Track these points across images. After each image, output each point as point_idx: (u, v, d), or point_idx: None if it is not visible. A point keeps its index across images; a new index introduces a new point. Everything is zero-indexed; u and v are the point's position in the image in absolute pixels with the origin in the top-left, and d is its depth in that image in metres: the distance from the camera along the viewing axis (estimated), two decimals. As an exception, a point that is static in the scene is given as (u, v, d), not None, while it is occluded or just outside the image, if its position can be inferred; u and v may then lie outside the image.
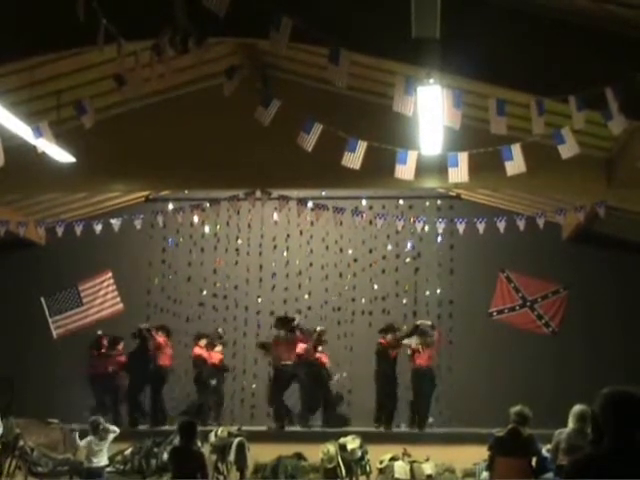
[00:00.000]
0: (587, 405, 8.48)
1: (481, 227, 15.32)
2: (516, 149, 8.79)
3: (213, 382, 15.97)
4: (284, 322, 15.80)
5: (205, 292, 17.78)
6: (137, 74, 8.38)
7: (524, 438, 9.49)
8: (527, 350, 16.46)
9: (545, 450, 9.82)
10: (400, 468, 13.38)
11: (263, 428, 15.28)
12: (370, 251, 17.53)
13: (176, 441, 12.95)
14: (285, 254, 17.74)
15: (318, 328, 15.96)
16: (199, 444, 10.99)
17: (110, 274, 17.17)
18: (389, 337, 15.42)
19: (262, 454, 13.69)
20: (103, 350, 16.17)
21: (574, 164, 9.73)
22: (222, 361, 16.37)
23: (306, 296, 17.58)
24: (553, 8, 8.26)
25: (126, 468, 13.29)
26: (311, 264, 17.68)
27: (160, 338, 15.72)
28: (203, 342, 16.05)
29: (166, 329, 16.05)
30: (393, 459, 13.54)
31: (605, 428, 3.78)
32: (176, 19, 7.65)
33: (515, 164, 8.80)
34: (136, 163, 13.09)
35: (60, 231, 15.93)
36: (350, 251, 17.59)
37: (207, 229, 17.79)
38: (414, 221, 16.18)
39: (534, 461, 9.69)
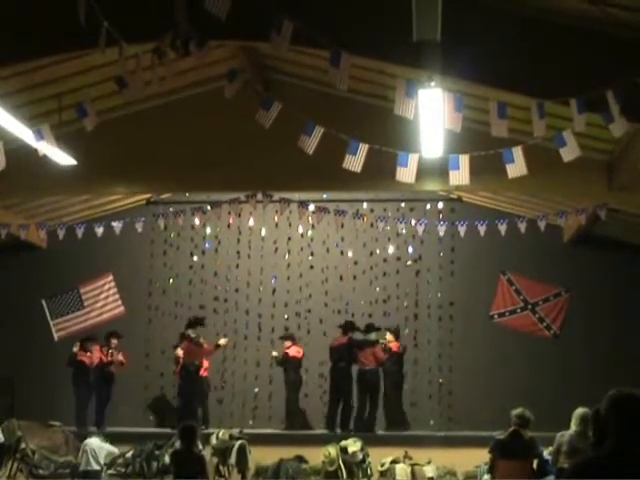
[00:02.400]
0: (589, 407, 8.47)
1: (482, 230, 15.32)
2: (517, 152, 8.79)
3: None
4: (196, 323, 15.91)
5: (206, 295, 17.78)
6: (138, 77, 8.38)
7: (525, 441, 9.49)
8: (528, 353, 16.46)
9: (547, 453, 9.82)
10: (401, 471, 13.38)
11: (265, 430, 15.29)
12: (371, 254, 17.53)
13: (177, 444, 12.99)
14: (286, 257, 17.73)
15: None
16: (200, 447, 10.99)
17: (111, 277, 17.18)
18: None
19: (263, 457, 13.69)
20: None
21: (575, 167, 9.72)
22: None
23: (307, 299, 17.57)
24: (553, 11, 8.27)
25: (127, 471, 13.29)
26: (312, 267, 17.67)
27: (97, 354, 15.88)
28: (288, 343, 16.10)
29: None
30: (394, 462, 13.54)
31: (608, 430, 3.78)
32: (177, 22, 7.67)
33: (516, 167, 8.81)
34: (137, 166, 13.10)
35: (61, 234, 15.94)
36: (351, 254, 17.57)
37: (208, 232, 17.79)
38: (415, 224, 16.18)
39: (535, 464, 9.70)
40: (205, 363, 16.11)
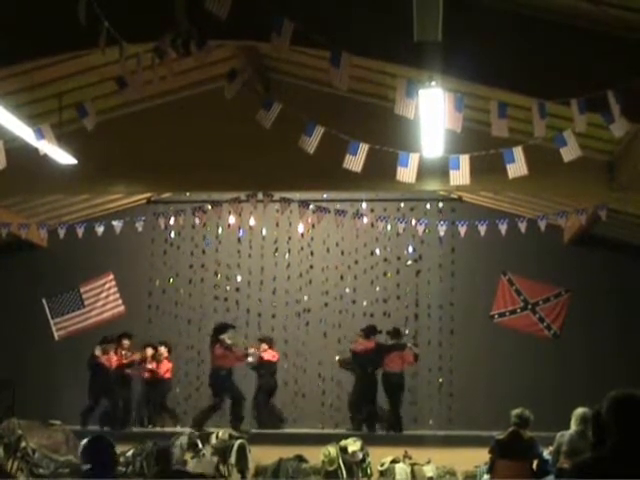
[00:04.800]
0: (589, 407, 8.47)
1: (482, 230, 15.31)
2: (518, 152, 8.78)
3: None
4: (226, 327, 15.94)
5: (206, 294, 17.78)
6: (139, 77, 8.38)
7: (525, 441, 9.51)
8: (528, 353, 16.45)
9: (547, 453, 9.82)
10: (401, 470, 13.39)
11: (264, 430, 15.28)
12: (371, 254, 17.53)
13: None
14: (286, 256, 17.74)
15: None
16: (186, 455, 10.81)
17: (112, 276, 17.18)
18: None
19: (263, 456, 13.71)
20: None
21: (576, 167, 9.72)
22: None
23: (307, 299, 17.57)
24: (555, 11, 8.26)
25: (128, 470, 13.28)
26: (312, 266, 17.68)
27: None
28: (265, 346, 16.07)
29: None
30: (394, 461, 13.55)
31: (609, 431, 3.78)
32: (178, 22, 7.67)
33: (517, 167, 8.80)
34: (138, 165, 13.09)
35: (62, 233, 15.94)
36: (351, 254, 17.58)
37: (208, 231, 17.79)
38: (415, 224, 16.17)
39: (535, 464, 9.70)
40: (169, 365, 16.17)
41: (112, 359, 15.90)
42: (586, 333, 16.39)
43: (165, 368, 16.20)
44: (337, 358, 16.34)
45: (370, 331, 15.63)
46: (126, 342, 16.07)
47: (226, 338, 15.64)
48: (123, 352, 15.97)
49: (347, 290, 17.54)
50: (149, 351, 16.21)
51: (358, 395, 15.51)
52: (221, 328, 15.85)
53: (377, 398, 15.38)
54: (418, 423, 16.26)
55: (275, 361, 16.00)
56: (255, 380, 16.02)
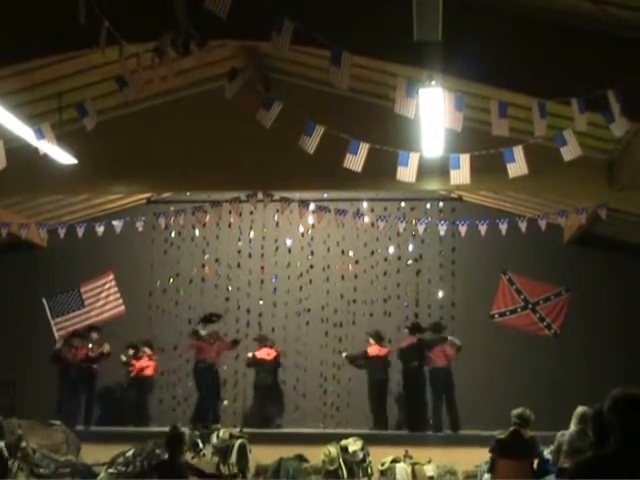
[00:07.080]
0: (589, 407, 8.47)
1: (483, 229, 15.29)
2: (518, 151, 8.79)
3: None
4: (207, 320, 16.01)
5: (207, 294, 17.77)
6: (139, 76, 8.39)
7: (526, 440, 9.51)
8: (529, 352, 16.44)
9: (547, 452, 9.82)
10: (402, 470, 13.37)
11: (265, 429, 15.27)
12: (372, 253, 17.52)
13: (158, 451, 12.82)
14: (286, 256, 17.73)
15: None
16: (187, 455, 10.65)
17: (112, 276, 17.18)
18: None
19: (263, 456, 13.69)
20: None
21: (576, 166, 9.74)
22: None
23: (307, 298, 17.56)
24: (555, 11, 8.27)
25: (128, 470, 13.28)
26: (312, 266, 17.66)
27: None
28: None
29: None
30: (395, 461, 13.53)
31: (610, 430, 3.78)
32: (178, 21, 7.67)
33: (517, 166, 8.81)
34: (138, 165, 13.10)
35: (62, 233, 15.91)
36: (351, 253, 17.57)
37: (209, 231, 17.78)
38: (416, 223, 16.16)
39: (535, 463, 9.70)
40: (151, 363, 16.18)
41: (77, 353, 15.86)
42: (586, 332, 16.38)
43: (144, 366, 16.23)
44: (344, 355, 16.25)
45: (415, 328, 15.66)
46: (95, 336, 16.06)
47: (200, 329, 15.67)
48: (91, 345, 15.92)
49: (348, 289, 17.53)
50: (130, 351, 16.28)
51: (403, 394, 15.55)
52: (204, 319, 15.90)
53: (426, 397, 15.31)
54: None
55: (269, 359, 15.94)
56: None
